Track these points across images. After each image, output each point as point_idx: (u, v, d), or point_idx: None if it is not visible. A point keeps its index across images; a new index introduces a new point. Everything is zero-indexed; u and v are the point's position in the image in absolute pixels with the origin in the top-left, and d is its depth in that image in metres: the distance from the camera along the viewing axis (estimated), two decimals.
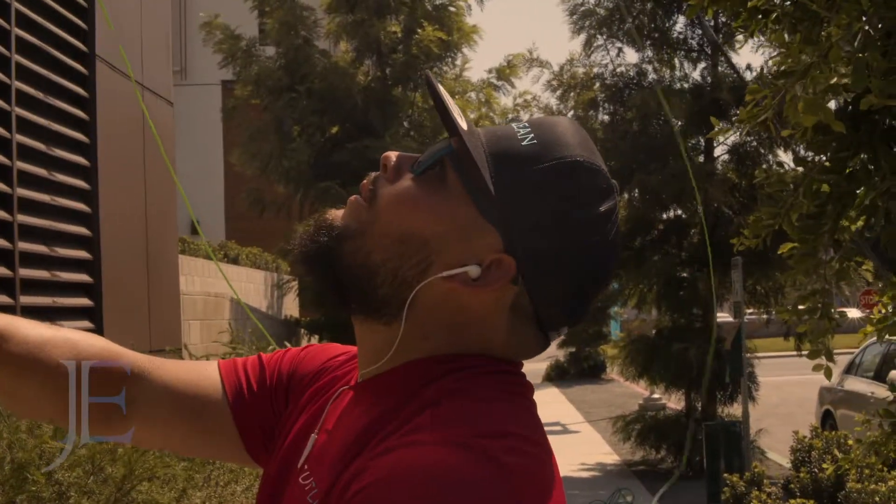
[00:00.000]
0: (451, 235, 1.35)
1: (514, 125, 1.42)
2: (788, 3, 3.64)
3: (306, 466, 1.42)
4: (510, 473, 1.20)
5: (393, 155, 1.44)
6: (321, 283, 1.43)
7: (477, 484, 1.17)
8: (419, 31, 18.05)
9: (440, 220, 1.35)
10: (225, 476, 5.46)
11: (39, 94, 6.78)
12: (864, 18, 3.30)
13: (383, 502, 1.17)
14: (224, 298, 15.97)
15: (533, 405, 1.39)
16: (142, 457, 4.76)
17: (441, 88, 1.38)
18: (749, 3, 3.76)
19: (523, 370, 1.43)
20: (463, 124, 1.37)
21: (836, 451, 8.46)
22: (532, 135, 1.39)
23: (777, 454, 14.21)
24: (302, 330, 20.12)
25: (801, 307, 4.57)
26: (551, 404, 23.97)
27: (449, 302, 1.36)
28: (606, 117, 15.84)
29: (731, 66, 14.39)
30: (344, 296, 1.41)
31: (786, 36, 3.73)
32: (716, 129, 4.41)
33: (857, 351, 14.60)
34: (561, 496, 1.28)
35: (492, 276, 1.34)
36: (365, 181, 1.43)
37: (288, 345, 11.77)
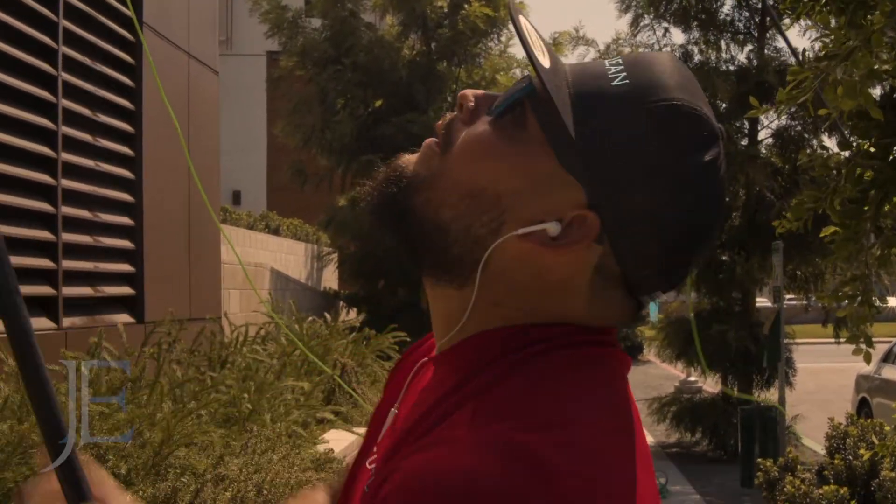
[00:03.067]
0: (527, 189, 1.19)
1: (605, 61, 1.26)
2: None
3: (375, 449, 1.31)
4: (554, 479, 1.03)
5: (471, 93, 1.28)
6: (392, 237, 1.29)
7: (509, 495, 1.01)
8: (465, 6, 18.01)
9: (515, 172, 1.20)
10: (262, 444, 5.50)
11: (86, 60, 6.82)
12: None
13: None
14: (265, 268, 16.05)
15: (617, 380, 1.24)
16: (180, 422, 4.81)
17: (523, 20, 1.25)
18: None
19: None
20: (545, 62, 1.21)
21: (873, 437, 8.41)
22: (625, 73, 1.21)
23: (812, 440, 14.16)
24: (341, 302, 20.18)
25: (841, 292, 4.55)
26: None
27: (524, 264, 1.20)
28: None
29: (786, 42, 14.27)
30: (416, 253, 1.27)
31: (832, 20, 3.71)
32: (755, 110, 4.38)
33: (895, 340, 14.52)
34: (629, 497, 1.10)
35: (573, 235, 1.18)
36: (440, 122, 1.30)
37: (327, 316, 11.81)
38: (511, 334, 1.21)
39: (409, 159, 1.29)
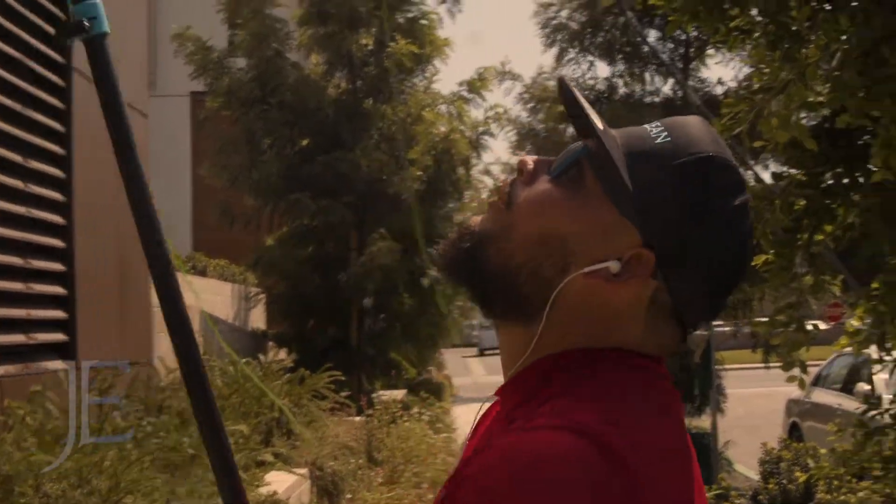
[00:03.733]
0: (590, 234, 1.38)
1: (646, 126, 1.46)
2: (769, 23, 3.69)
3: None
4: (620, 464, 1.21)
5: (529, 159, 1.47)
6: (466, 287, 1.47)
7: (579, 462, 1.20)
8: (391, 43, 18.04)
9: (579, 220, 1.38)
10: (208, 489, 5.46)
11: (17, 106, 6.77)
12: (842, 38, 3.37)
13: (486, 481, 1.21)
14: (193, 310, 15.92)
15: (674, 411, 1.40)
16: (127, 468, 4.77)
17: (575, 90, 1.43)
18: (731, 24, 3.82)
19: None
20: (600, 125, 1.41)
21: (809, 460, 8.51)
22: (665, 133, 1.42)
23: (744, 466, 14.28)
24: (269, 342, 20.08)
25: (775, 320, 4.62)
26: None
27: (589, 298, 1.38)
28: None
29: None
30: (488, 299, 1.46)
31: (766, 53, 3.79)
32: None
33: (824, 363, 14.69)
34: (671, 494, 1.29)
35: (632, 271, 1.37)
36: (502, 184, 1.47)
37: (262, 357, 11.75)
38: (573, 355, 1.39)
39: (476, 220, 1.47)
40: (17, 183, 6.73)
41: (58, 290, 7.32)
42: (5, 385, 6.16)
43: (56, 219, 7.34)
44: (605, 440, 1.23)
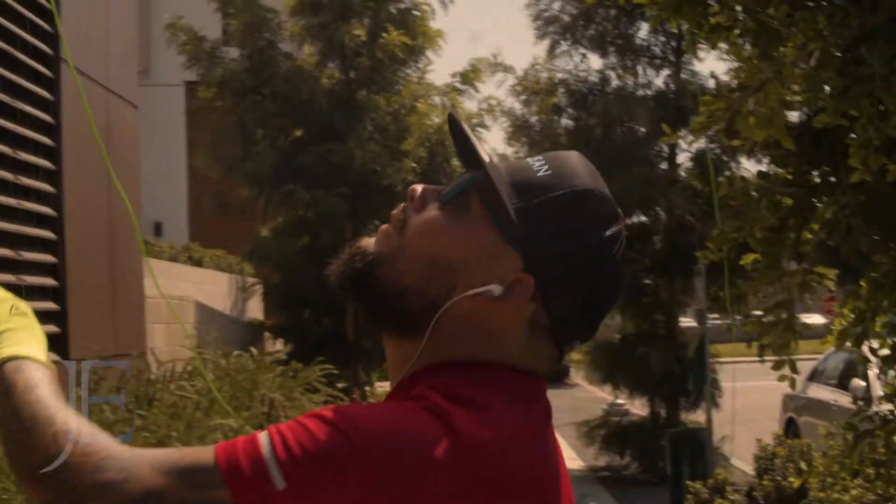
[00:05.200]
0: (475, 258, 1.48)
1: (529, 159, 1.57)
2: (750, 20, 3.69)
3: None
4: (456, 430, 1.34)
5: (419, 187, 1.57)
6: (357, 303, 1.57)
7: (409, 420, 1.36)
8: (384, 34, 18.01)
9: (465, 245, 1.49)
10: None
11: (5, 98, 6.76)
12: (823, 35, 3.36)
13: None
14: (189, 301, 15.91)
15: (536, 415, 1.50)
16: None
17: (463, 123, 1.55)
18: (713, 20, 3.82)
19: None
20: (486, 157, 1.52)
21: (801, 464, 8.51)
22: (546, 166, 1.53)
23: (740, 461, 14.27)
24: (266, 333, 20.06)
25: (764, 319, 4.62)
26: None
27: (473, 318, 1.48)
28: (570, 122, 15.89)
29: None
30: (377, 316, 1.56)
31: (746, 49, 3.79)
32: (667, 137, 4.49)
33: (820, 358, 14.69)
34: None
35: (514, 294, 1.47)
36: (395, 211, 1.57)
37: (254, 350, 11.76)
38: (450, 364, 1.49)
39: (368, 241, 1.57)
40: (7, 175, 6.73)
41: (49, 281, 7.32)
42: None
43: (47, 210, 7.34)
44: (442, 408, 1.36)
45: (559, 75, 15.89)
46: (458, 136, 1.54)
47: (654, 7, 3.94)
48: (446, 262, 1.48)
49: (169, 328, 12.87)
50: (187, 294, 16.20)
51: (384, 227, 1.57)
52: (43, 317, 7.08)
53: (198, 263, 20.70)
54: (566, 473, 1.57)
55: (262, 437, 1.33)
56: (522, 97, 16.38)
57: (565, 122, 16.00)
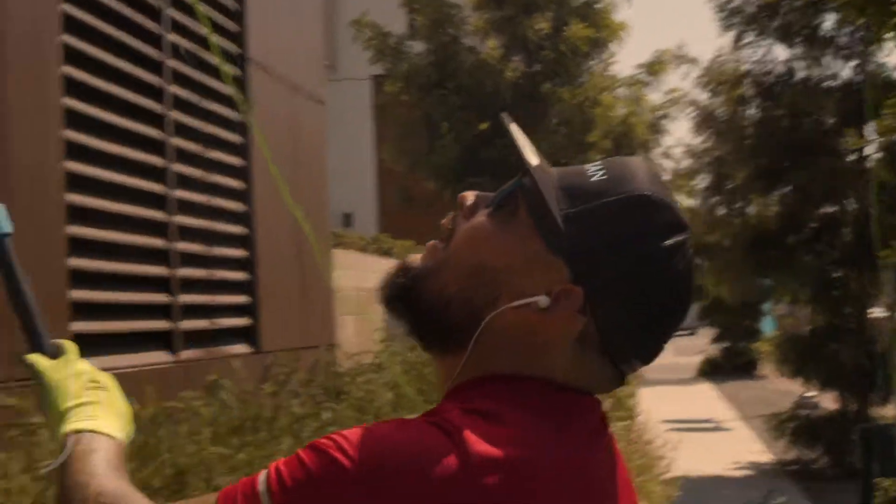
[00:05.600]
0: (519, 267, 1.40)
1: (587, 164, 1.47)
2: None
3: None
4: (465, 446, 1.25)
5: (470, 194, 1.50)
6: (402, 322, 1.49)
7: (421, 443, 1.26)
8: (567, 27, 17.98)
9: (509, 253, 1.41)
10: None
11: (194, 97, 6.95)
12: None
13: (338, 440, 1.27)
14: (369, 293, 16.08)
15: (585, 436, 1.40)
16: None
17: (514, 127, 1.46)
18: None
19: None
20: (533, 160, 1.44)
21: None
22: (603, 171, 1.43)
23: None
24: None
25: None
26: (704, 400, 23.70)
27: (517, 330, 1.39)
28: (757, 111, 15.67)
29: None
30: (420, 331, 1.48)
31: None
32: (854, 140, 4.37)
33: None
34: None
35: (560, 306, 1.37)
36: (444, 220, 1.51)
37: None
38: (493, 379, 1.41)
39: (415, 257, 1.51)
40: (198, 173, 6.92)
41: (240, 275, 7.50)
42: (189, 369, 6.36)
43: (237, 206, 7.52)
44: (453, 423, 1.28)
45: (744, 66, 15.67)
46: (512, 140, 1.46)
47: (841, 7, 3.86)
48: (490, 271, 1.41)
49: (359, 320, 13.03)
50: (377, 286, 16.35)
51: (431, 242, 1.50)
52: (234, 310, 7.30)
53: (387, 254, 20.95)
54: (629, 495, 1.46)
55: (262, 475, 1.31)
56: (708, 88, 16.21)
57: (751, 112, 15.77)
